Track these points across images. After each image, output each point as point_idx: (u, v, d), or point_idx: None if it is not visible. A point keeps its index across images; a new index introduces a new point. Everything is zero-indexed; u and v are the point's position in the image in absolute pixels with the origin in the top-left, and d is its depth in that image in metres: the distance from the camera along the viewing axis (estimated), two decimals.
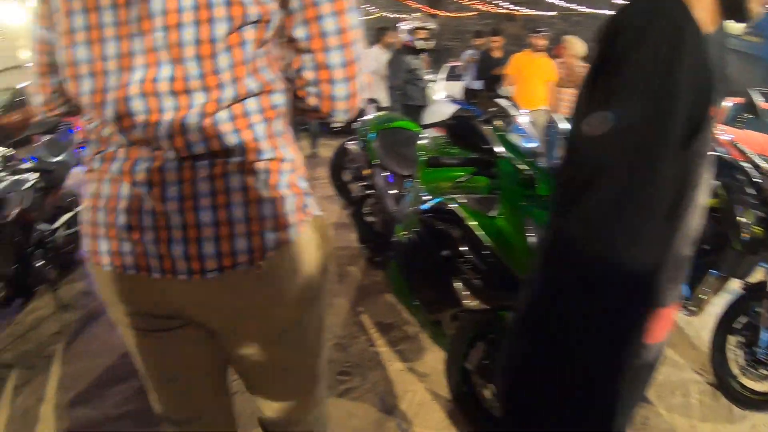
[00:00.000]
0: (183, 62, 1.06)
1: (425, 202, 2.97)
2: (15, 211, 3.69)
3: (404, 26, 7.15)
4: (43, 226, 4.20)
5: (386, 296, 4.16)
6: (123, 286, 1.23)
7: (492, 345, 2.52)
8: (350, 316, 3.96)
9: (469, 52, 10.70)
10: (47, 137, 4.72)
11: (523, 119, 5.81)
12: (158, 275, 1.15)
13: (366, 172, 4.39)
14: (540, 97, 7.56)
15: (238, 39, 1.07)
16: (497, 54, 9.16)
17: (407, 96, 6.80)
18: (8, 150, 4.05)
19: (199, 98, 1.08)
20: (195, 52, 1.05)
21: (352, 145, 5.14)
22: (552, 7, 24.29)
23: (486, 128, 2.55)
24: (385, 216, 3.85)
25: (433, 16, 20.65)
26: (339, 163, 6.42)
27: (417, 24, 6.87)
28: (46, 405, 3.23)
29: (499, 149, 2.48)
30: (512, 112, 5.80)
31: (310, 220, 1.24)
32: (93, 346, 3.76)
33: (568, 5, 23.31)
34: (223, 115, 1.10)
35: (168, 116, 1.08)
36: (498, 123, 5.48)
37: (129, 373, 3.15)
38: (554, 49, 8.27)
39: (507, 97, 5.99)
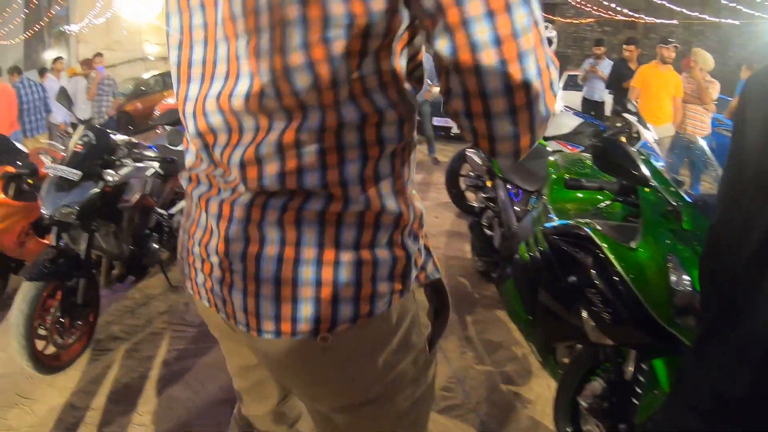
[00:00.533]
0: (260, 76, 0.88)
1: (554, 222, 2.85)
2: (137, 197, 3.91)
3: None
4: (160, 212, 4.45)
5: (497, 312, 4.05)
6: (201, 307, 1.17)
7: (610, 383, 2.36)
8: (458, 330, 3.87)
9: (590, 61, 10.26)
10: (171, 128, 4.97)
11: (650, 137, 5.58)
12: (223, 316, 1.04)
13: (488, 183, 4.27)
14: (666, 112, 7.21)
15: (322, 51, 0.84)
16: (633, 65, 8.78)
17: None
18: (133, 138, 4.18)
19: (278, 123, 0.89)
20: (269, 64, 0.87)
21: (473, 154, 5.02)
22: (673, 14, 23.14)
23: (635, 153, 2.38)
24: (506, 231, 3.73)
25: (550, 21, 20.11)
26: (456, 170, 6.34)
27: None
28: (149, 382, 3.36)
29: (645, 176, 2.31)
30: (640, 128, 5.58)
31: (414, 288, 1.03)
32: (197, 329, 3.83)
33: (689, 13, 22.10)
34: (306, 147, 0.89)
35: (240, 139, 0.93)
36: (624, 139, 5.30)
37: None
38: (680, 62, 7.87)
39: (636, 113, 5.73)
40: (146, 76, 17.33)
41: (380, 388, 1.05)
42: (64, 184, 3.46)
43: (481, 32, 0.79)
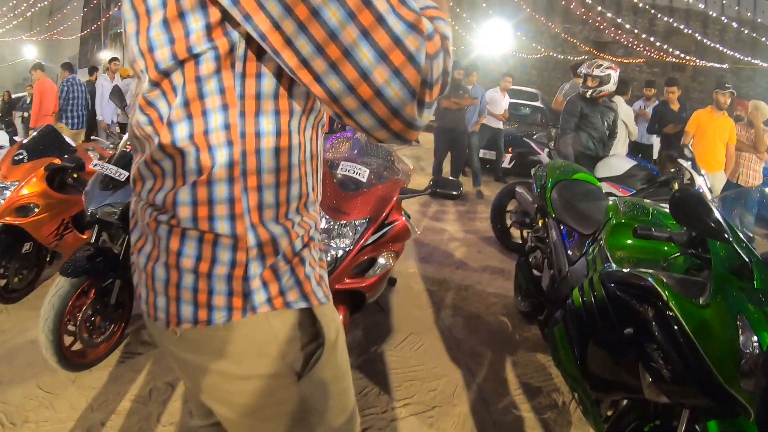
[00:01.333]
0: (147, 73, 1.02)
1: (612, 269, 2.71)
2: None
3: (581, 70, 6.84)
4: None
5: (538, 356, 3.90)
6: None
7: None
8: (496, 371, 3.72)
9: (639, 103, 10.00)
10: None
11: (703, 184, 5.42)
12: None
13: (539, 222, 4.14)
14: (719, 160, 7.01)
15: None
16: (675, 106, 8.65)
17: (581, 144, 6.47)
18: None
19: (165, 129, 1.03)
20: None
21: (524, 190, 4.89)
22: (723, 58, 22.82)
23: (712, 204, 2.25)
24: (557, 274, 3.58)
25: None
26: (503, 205, 6.22)
27: (585, 70, 6.52)
28: (175, 392, 3.25)
29: (721, 229, 2.17)
30: (694, 174, 5.42)
31: (267, 311, 1.08)
32: None
33: (741, 57, 21.77)
34: (147, 169, 1.07)
35: (143, 142, 1.08)
36: (676, 185, 5.15)
37: None
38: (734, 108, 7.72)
39: (691, 158, 5.57)
40: None
41: (232, 396, 1.15)
42: (109, 183, 3.42)
43: (303, 46, 0.85)
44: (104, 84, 10.25)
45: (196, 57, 0.95)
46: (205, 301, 1.04)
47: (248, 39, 0.94)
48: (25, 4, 21.45)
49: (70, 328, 3.25)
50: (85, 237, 4.51)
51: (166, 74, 0.97)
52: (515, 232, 5.89)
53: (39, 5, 21.61)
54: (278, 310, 1.09)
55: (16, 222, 4.07)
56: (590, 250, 3.21)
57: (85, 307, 3.29)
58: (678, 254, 2.55)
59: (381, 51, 0.84)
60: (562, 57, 23.50)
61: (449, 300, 4.80)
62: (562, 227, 3.77)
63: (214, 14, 0.92)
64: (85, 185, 4.53)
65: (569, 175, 4.27)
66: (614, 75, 6.26)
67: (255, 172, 1.02)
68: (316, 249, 1.20)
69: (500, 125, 10.28)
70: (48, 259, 4.64)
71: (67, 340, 3.24)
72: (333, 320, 1.21)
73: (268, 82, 1.00)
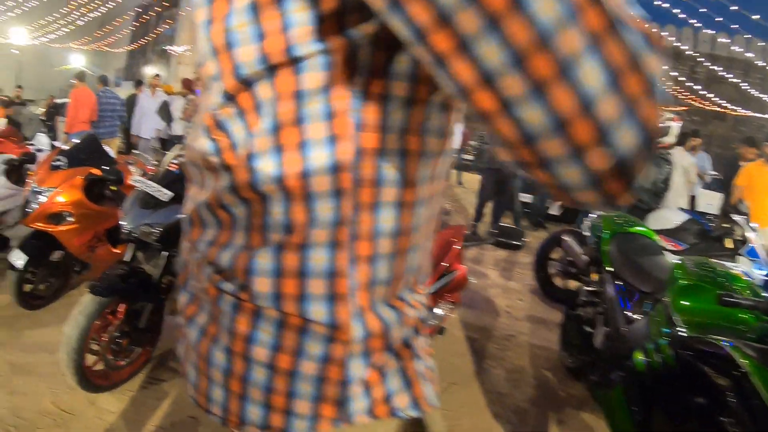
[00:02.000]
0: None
1: (682, 334, 2.54)
2: None
3: None
4: None
5: (584, 416, 3.66)
6: None
7: None
8: (539, 428, 3.51)
9: None
10: None
11: (757, 241, 5.18)
12: None
13: (593, 275, 3.91)
14: None
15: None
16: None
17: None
18: None
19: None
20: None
21: (572, 240, 4.68)
22: (765, 108, 22.39)
23: None
24: (613, 332, 3.35)
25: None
26: (546, 253, 5.98)
27: None
28: (200, 427, 3.09)
29: None
30: (747, 230, 5.18)
31: (365, 422, 0.81)
32: None
33: None
34: (210, 225, 0.84)
35: (205, 174, 0.83)
36: (730, 241, 4.92)
37: None
38: None
39: (746, 214, 5.34)
40: None
41: None
42: (150, 201, 3.28)
43: (490, 55, 0.52)
44: (143, 99, 10.29)
45: (296, 62, 0.67)
46: (282, 405, 0.78)
47: (375, 41, 0.67)
48: (77, 13, 21.85)
49: (94, 347, 3.08)
50: (117, 251, 4.40)
51: (247, 84, 0.70)
52: (558, 281, 5.65)
53: (90, 15, 22.01)
54: (380, 419, 0.83)
55: (48, 229, 3.97)
56: (653, 310, 3.02)
57: (111, 328, 3.13)
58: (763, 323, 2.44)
59: (614, 72, 0.53)
60: None
61: (491, 349, 4.56)
62: (618, 282, 3.55)
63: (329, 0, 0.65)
64: (123, 199, 4.42)
65: (627, 227, 4.06)
66: (675, 127, 6.05)
67: (369, 235, 0.74)
68: (426, 334, 0.93)
69: None
70: (77, 269, 4.50)
71: (90, 359, 3.07)
72: (441, 427, 0.95)
73: (398, 109, 0.71)
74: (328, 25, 0.66)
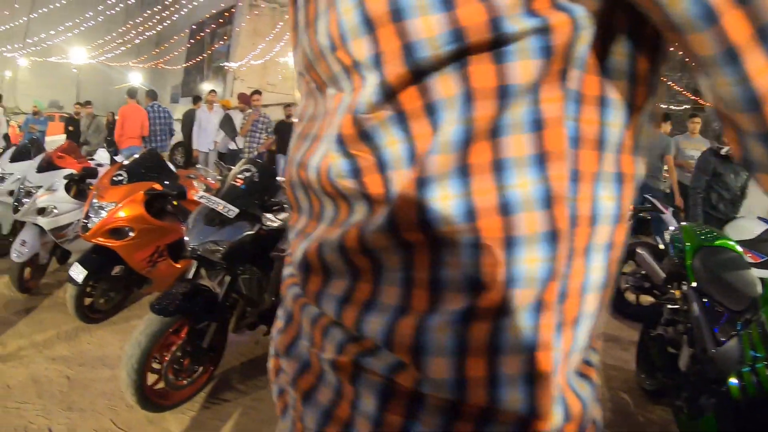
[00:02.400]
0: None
1: None
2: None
3: (716, 125, 6.36)
4: None
5: None
6: None
7: None
8: None
9: None
10: None
11: None
12: None
13: (676, 292, 3.67)
14: None
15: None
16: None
17: (710, 204, 5.94)
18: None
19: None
20: None
21: (644, 252, 4.44)
22: None
23: None
24: (700, 354, 3.11)
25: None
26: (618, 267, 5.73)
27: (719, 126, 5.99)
28: None
29: None
30: None
31: None
32: None
33: None
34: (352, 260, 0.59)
35: (327, 203, 0.63)
36: None
37: None
38: None
39: None
40: (295, 120, 17.70)
41: None
42: (215, 218, 3.17)
43: None
44: (201, 115, 10.38)
45: (501, 43, 0.47)
46: None
47: (599, 21, 0.50)
48: (134, 32, 22.32)
49: (155, 366, 3.00)
50: (179, 266, 4.35)
51: (419, 75, 0.50)
52: (630, 296, 5.38)
53: (146, 34, 22.47)
54: None
55: (109, 244, 3.94)
56: (745, 329, 2.79)
57: (174, 348, 3.04)
58: None
59: None
60: (665, 106, 22.67)
61: None
62: (705, 300, 3.31)
63: None
64: (185, 214, 4.38)
65: (711, 240, 3.80)
66: None
67: (578, 290, 0.55)
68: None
69: None
70: (138, 283, 4.47)
71: (150, 378, 3.00)
72: None
73: (615, 118, 0.54)
74: None
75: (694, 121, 7.77)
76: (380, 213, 0.53)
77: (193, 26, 23.74)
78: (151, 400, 2.99)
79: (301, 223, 0.68)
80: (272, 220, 3.21)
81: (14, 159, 5.31)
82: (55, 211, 4.40)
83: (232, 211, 3.10)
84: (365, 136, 0.54)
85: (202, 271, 3.32)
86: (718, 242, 3.80)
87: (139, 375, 2.84)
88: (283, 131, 10.10)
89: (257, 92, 10.02)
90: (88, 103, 13.14)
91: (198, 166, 5.94)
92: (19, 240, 4.39)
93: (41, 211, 4.39)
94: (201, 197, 3.22)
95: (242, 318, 3.50)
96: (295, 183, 0.67)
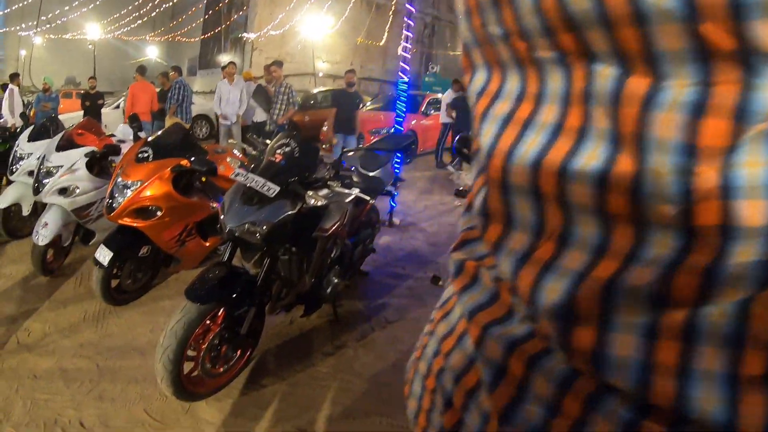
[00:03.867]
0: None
1: None
2: (335, 226, 3.25)
3: None
4: (346, 242, 3.80)
5: None
6: None
7: None
8: None
9: None
10: (364, 150, 4.19)
11: None
12: None
13: None
14: None
15: None
16: None
17: None
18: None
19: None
20: None
21: None
22: None
23: None
24: None
25: None
26: None
27: None
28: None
29: None
30: None
31: None
32: (368, 384, 3.26)
33: None
34: None
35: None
36: None
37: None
38: None
39: None
40: (315, 90, 17.48)
41: None
42: (254, 197, 2.94)
43: None
44: (222, 87, 10.15)
45: None
46: None
47: None
48: (149, 5, 22.06)
49: (190, 353, 2.82)
50: (208, 245, 4.18)
51: None
52: None
53: (162, 6, 22.18)
54: None
55: (135, 224, 3.76)
56: None
57: (211, 336, 2.85)
58: None
59: None
60: None
61: None
62: None
63: None
64: (214, 190, 4.18)
65: None
66: None
67: None
68: None
69: None
70: (166, 263, 4.30)
71: (186, 366, 2.82)
72: None
73: None
74: None
75: None
76: (709, 253, 0.36)
77: None
78: (186, 389, 2.82)
79: (516, 242, 0.49)
80: (316, 198, 2.96)
81: (33, 138, 5.14)
82: (77, 190, 4.23)
83: (273, 189, 2.87)
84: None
85: (241, 254, 3.12)
86: None
87: (175, 366, 2.66)
88: (343, 102, 8.91)
89: (276, 63, 9.72)
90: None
91: (230, 141, 5.69)
92: (41, 222, 4.22)
93: (63, 191, 4.22)
94: (237, 175, 2.98)
95: (279, 299, 3.30)
96: (513, 185, 0.48)
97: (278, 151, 3.05)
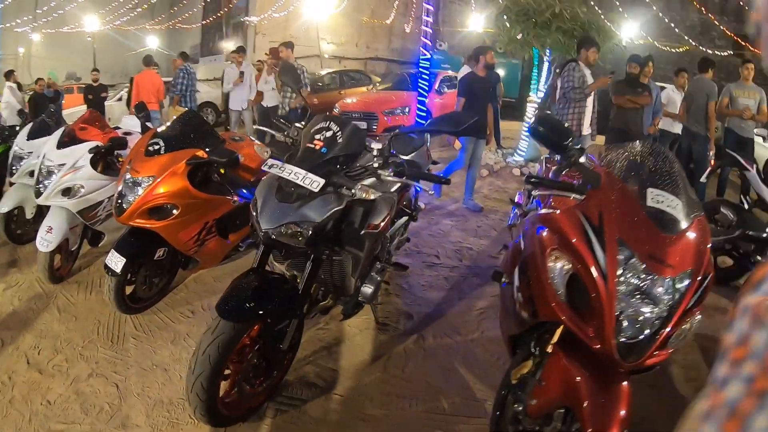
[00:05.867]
0: None
1: None
2: (385, 221, 2.82)
3: None
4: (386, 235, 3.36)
5: None
6: None
7: None
8: None
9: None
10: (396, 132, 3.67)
11: None
12: None
13: None
14: None
15: None
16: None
17: None
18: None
19: None
20: None
21: (727, 211, 4.03)
22: None
23: None
24: None
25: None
26: None
27: None
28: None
29: None
30: None
31: None
32: (412, 384, 2.94)
33: None
34: None
35: None
36: None
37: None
38: None
39: None
40: (322, 72, 17.13)
41: None
42: (292, 192, 2.45)
43: None
44: (230, 73, 9.80)
45: None
46: None
47: None
48: None
49: (226, 372, 2.43)
50: (229, 243, 3.78)
51: None
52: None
53: None
54: None
55: (149, 225, 3.37)
56: None
57: (248, 354, 2.47)
58: None
59: None
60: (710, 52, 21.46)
61: None
62: None
63: None
64: (234, 183, 3.76)
65: None
66: None
67: None
68: None
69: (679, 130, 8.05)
70: (183, 264, 3.93)
71: (221, 388, 2.43)
72: None
73: None
74: None
75: (748, 67, 7.25)
76: None
77: None
78: (221, 414, 2.44)
79: None
80: (367, 192, 2.47)
81: (32, 136, 4.70)
82: (82, 190, 3.84)
83: (317, 182, 2.39)
84: None
85: (276, 258, 2.75)
86: None
87: (210, 394, 2.28)
88: (477, 89, 6.71)
89: (285, 44, 9.16)
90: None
91: (255, 126, 5.27)
92: (45, 227, 3.84)
93: (66, 192, 3.83)
94: (272, 166, 2.51)
95: (316, 302, 2.89)
96: None
97: (317, 136, 2.56)
